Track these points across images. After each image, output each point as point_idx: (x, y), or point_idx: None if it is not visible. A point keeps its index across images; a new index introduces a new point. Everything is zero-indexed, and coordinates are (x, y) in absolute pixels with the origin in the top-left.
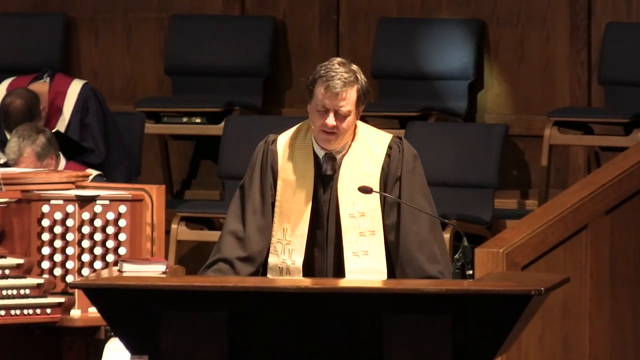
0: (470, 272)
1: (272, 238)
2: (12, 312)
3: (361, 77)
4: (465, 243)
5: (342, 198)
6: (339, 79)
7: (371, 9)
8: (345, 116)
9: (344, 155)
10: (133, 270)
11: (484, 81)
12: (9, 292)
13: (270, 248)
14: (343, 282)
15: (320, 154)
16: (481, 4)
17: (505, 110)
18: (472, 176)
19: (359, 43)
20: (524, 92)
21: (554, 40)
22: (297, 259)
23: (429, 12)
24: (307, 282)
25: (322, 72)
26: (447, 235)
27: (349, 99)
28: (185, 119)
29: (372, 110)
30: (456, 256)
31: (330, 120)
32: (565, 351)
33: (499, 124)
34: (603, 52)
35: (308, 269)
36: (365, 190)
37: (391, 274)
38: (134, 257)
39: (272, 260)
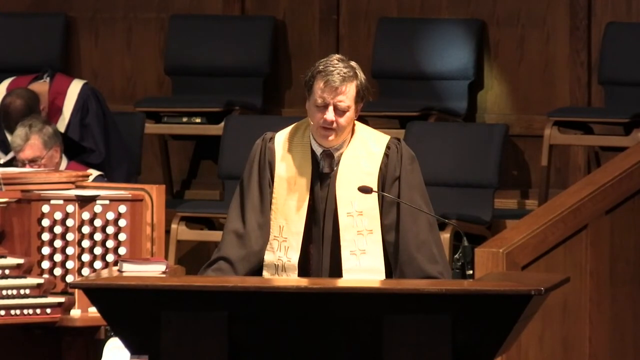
0: (470, 272)
1: (269, 235)
2: (12, 312)
3: (360, 73)
4: (465, 243)
5: (341, 196)
6: (338, 74)
7: (371, 9)
8: (344, 111)
9: (342, 153)
10: (133, 270)
11: (484, 81)
12: (9, 292)
13: (267, 245)
14: (343, 282)
15: (318, 151)
16: (481, 4)
17: (505, 110)
18: (472, 176)
19: (359, 43)
20: (524, 92)
21: (554, 40)
22: (292, 256)
23: (429, 12)
24: (307, 282)
25: (321, 67)
26: (447, 235)
27: (347, 94)
28: (185, 119)
29: (372, 110)
30: (456, 256)
31: (329, 115)
32: (565, 351)
33: (499, 124)
34: (603, 52)
35: (303, 267)
36: (365, 190)
37: (389, 273)
38: (134, 257)
39: (267, 257)
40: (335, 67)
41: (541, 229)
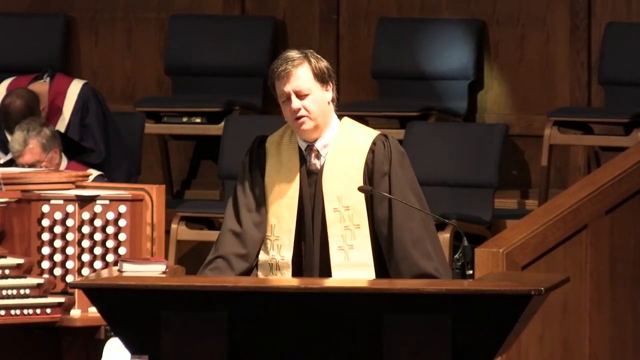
0: (470, 272)
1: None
2: (12, 312)
3: (314, 57)
4: (465, 243)
5: (327, 192)
6: (287, 63)
7: (371, 9)
8: (306, 94)
9: (327, 148)
10: (133, 270)
11: (484, 81)
12: (9, 292)
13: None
14: (343, 282)
15: (303, 146)
16: (481, 4)
17: (505, 110)
18: (472, 176)
19: (359, 43)
20: (524, 92)
21: (554, 40)
22: (286, 254)
23: (429, 12)
24: (307, 282)
25: (274, 67)
26: (447, 235)
27: (303, 77)
28: (185, 119)
29: (372, 110)
30: (456, 256)
31: (295, 103)
32: (565, 351)
33: (499, 124)
34: (603, 52)
35: (296, 264)
36: (365, 190)
37: (378, 267)
38: (134, 257)
39: (261, 257)
40: (284, 60)
41: (541, 229)
